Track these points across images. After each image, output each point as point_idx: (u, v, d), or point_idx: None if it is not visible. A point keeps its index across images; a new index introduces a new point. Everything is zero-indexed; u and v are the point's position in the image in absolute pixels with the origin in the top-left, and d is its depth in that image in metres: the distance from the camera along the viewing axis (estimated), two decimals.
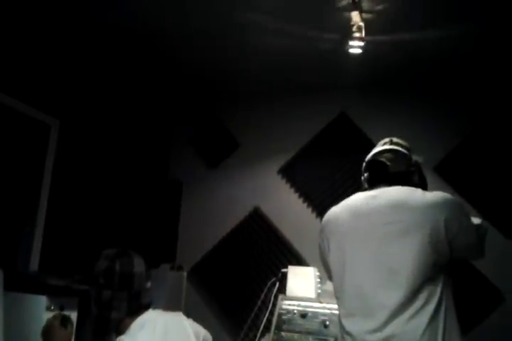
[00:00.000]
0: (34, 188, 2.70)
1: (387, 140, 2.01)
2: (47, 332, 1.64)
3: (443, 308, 1.62)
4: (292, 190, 3.31)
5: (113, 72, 3.20)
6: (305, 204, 3.26)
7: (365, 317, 1.66)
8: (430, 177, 2.90)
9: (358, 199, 1.86)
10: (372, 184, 1.89)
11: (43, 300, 2.04)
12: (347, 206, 1.87)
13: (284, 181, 3.35)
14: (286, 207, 3.30)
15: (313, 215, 3.22)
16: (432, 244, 1.65)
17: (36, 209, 2.67)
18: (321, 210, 3.19)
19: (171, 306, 2.83)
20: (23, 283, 2.13)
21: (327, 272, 1.96)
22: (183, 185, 3.59)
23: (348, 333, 1.69)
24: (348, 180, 3.15)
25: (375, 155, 1.95)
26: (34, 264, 2.60)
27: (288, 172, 3.36)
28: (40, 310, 2.02)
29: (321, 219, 3.11)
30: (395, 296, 1.63)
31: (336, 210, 1.91)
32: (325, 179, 3.24)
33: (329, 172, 3.24)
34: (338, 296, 1.80)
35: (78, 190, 2.91)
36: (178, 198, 3.56)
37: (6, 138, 2.54)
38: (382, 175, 1.90)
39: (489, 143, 2.95)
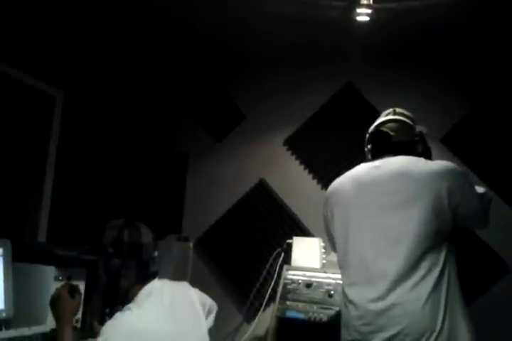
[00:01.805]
0: (40, 159, 2.70)
1: (390, 110, 2.01)
2: (55, 301, 1.66)
3: (446, 278, 1.64)
4: (298, 162, 3.30)
5: (118, 44, 3.15)
6: (310, 176, 3.26)
7: (367, 286, 1.68)
8: (437, 149, 2.90)
9: (361, 169, 1.87)
10: (376, 154, 1.90)
11: (51, 270, 2.07)
12: (350, 177, 1.88)
13: (289, 153, 3.33)
14: (291, 178, 3.29)
15: (319, 187, 3.22)
16: (435, 212, 1.66)
17: (43, 180, 2.68)
18: (326, 182, 3.18)
19: (177, 277, 2.87)
20: (32, 254, 2.16)
21: (331, 243, 1.99)
22: (188, 156, 3.58)
23: (351, 302, 1.72)
24: (354, 151, 3.12)
25: (378, 125, 1.94)
26: (42, 235, 2.63)
27: (293, 144, 3.34)
28: (49, 280, 2.05)
29: (326, 190, 3.16)
30: (396, 265, 1.65)
31: (339, 181, 1.93)
32: (331, 150, 3.22)
33: (335, 143, 3.22)
34: (341, 266, 1.84)
35: (84, 161, 2.92)
36: (184, 170, 3.56)
37: (11, 109, 2.53)
38: (385, 145, 1.90)
39: (496, 113, 2.92)
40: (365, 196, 1.78)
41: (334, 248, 1.96)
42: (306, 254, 2.77)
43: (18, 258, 2.09)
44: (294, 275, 2.65)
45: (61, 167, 2.77)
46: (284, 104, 3.36)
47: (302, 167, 3.29)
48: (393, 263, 1.65)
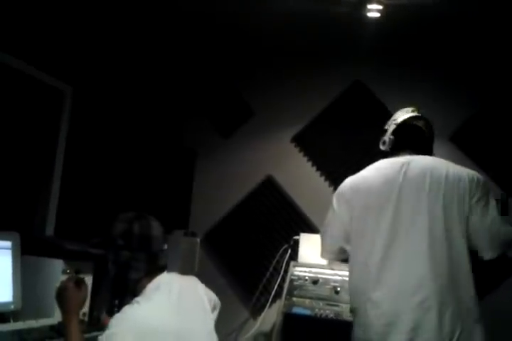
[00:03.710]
0: (49, 153, 2.71)
1: (412, 108, 2.00)
2: (61, 293, 1.65)
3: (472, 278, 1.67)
4: (305, 159, 3.30)
5: (128, 40, 3.15)
6: (318, 173, 3.25)
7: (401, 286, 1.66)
8: (446, 147, 2.90)
9: (389, 166, 1.82)
10: (403, 148, 1.87)
11: (59, 263, 2.08)
12: (377, 172, 1.83)
13: (297, 150, 3.33)
14: (299, 175, 3.29)
15: (326, 184, 3.22)
16: (462, 217, 1.68)
17: (51, 174, 2.69)
18: (333, 179, 3.18)
19: (184, 272, 2.88)
20: (40, 248, 2.17)
21: (333, 238, 1.91)
22: (196, 153, 3.58)
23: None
24: (362, 148, 3.12)
25: (411, 119, 1.93)
26: (50, 229, 2.64)
27: (301, 141, 3.33)
28: (57, 274, 2.06)
29: (335, 188, 3.15)
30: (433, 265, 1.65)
31: (364, 175, 1.86)
32: (339, 147, 3.21)
33: (343, 140, 3.21)
34: (365, 263, 1.75)
35: (93, 156, 2.93)
36: (192, 166, 3.57)
37: (21, 103, 2.54)
38: (416, 140, 1.88)
39: (506, 112, 2.90)
40: (395, 194, 1.73)
41: (337, 242, 1.89)
42: (313, 251, 2.76)
43: (26, 252, 2.10)
44: (300, 271, 2.65)
45: (69, 161, 2.78)
46: (293, 101, 3.36)
47: (310, 164, 3.29)
48: (431, 262, 1.65)
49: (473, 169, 2.72)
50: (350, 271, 1.82)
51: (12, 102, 2.48)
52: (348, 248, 1.84)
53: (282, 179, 3.32)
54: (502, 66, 2.93)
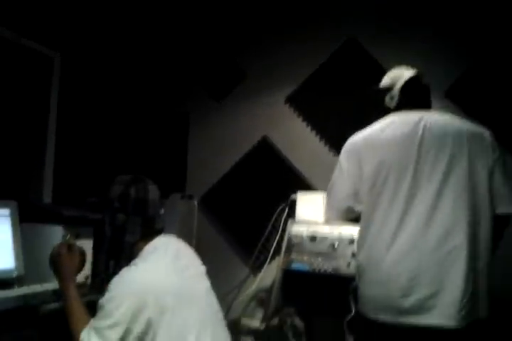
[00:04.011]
0: (41, 119, 2.69)
1: (407, 67, 1.98)
2: (54, 259, 1.66)
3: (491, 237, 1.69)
4: (300, 119, 3.27)
5: (115, 4, 3.06)
6: (313, 133, 3.24)
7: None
8: (441, 102, 2.87)
9: (405, 121, 1.79)
10: (408, 105, 1.85)
11: (58, 229, 2.09)
12: (392, 127, 1.79)
13: (291, 110, 3.30)
14: (294, 135, 3.28)
15: (322, 143, 3.21)
16: (486, 172, 1.70)
17: (45, 140, 2.69)
18: (329, 138, 3.17)
19: (182, 235, 2.92)
20: (38, 214, 2.18)
21: (342, 197, 1.85)
22: (190, 115, 3.55)
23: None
24: (357, 106, 3.09)
25: (418, 76, 1.91)
26: (47, 195, 2.65)
27: (296, 101, 3.30)
28: (57, 240, 2.07)
29: (330, 147, 3.15)
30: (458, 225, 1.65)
31: (377, 130, 1.81)
32: (333, 106, 3.18)
33: (338, 99, 3.18)
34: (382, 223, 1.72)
35: (86, 121, 2.90)
36: (186, 129, 3.55)
37: (11, 71, 2.50)
38: (423, 97, 1.89)
39: (500, 65, 2.85)
40: (419, 147, 1.71)
41: (347, 199, 1.84)
42: (310, 209, 2.79)
43: (25, 219, 2.12)
44: (298, 229, 2.69)
45: (63, 127, 2.76)
46: (285, 60, 3.30)
47: (305, 124, 3.27)
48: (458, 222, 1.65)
49: None
50: (365, 229, 1.78)
51: (1, 70, 2.44)
52: (357, 207, 1.81)
53: (277, 140, 3.31)
54: (496, 20, 2.87)
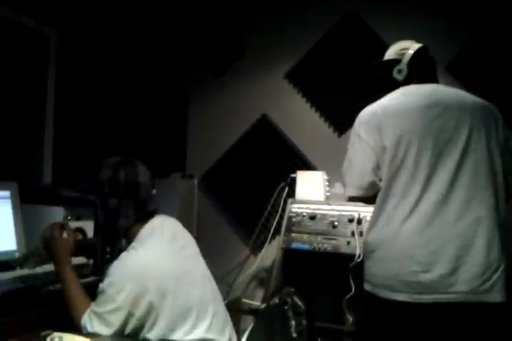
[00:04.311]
0: (39, 99, 2.67)
1: (411, 40, 1.95)
2: (48, 243, 1.64)
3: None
4: (300, 95, 3.24)
5: None
6: (313, 109, 3.21)
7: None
8: (442, 76, 2.83)
9: (420, 92, 1.76)
10: (416, 78, 1.82)
11: (59, 211, 2.10)
12: (408, 98, 1.75)
13: (291, 86, 3.26)
14: (294, 112, 3.25)
15: (322, 120, 3.18)
16: (499, 149, 1.70)
17: (43, 120, 2.66)
18: (329, 114, 3.15)
19: (183, 214, 2.93)
20: (38, 196, 2.19)
21: (365, 171, 1.75)
22: (189, 94, 3.52)
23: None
24: (357, 82, 3.05)
25: (424, 49, 1.87)
26: (47, 177, 2.65)
27: (295, 77, 3.26)
28: (58, 221, 2.09)
29: (330, 124, 3.12)
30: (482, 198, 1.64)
31: (393, 101, 1.76)
32: (333, 82, 3.14)
33: (338, 74, 3.14)
34: (403, 193, 1.66)
35: (84, 100, 2.88)
36: (185, 108, 3.52)
37: (5, 50, 2.46)
38: (431, 70, 1.87)
39: (501, 39, 2.81)
40: (437, 119, 1.67)
41: (366, 174, 1.74)
42: (310, 187, 2.79)
43: (25, 200, 2.12)
44: (298, 208, 2.69)
45: (61, 107, 2.73)
46: (284, 36, 3.25)
47: (304, 100, 3.23)
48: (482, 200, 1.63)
49: None
50: (381, 204, 1.70)
51: None
52: (379, 181, 1.73)
53: (277, 117, 3.29)
54: None
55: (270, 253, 3.01)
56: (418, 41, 2.57)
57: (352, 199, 1.87)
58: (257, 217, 3.14)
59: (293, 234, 2.62)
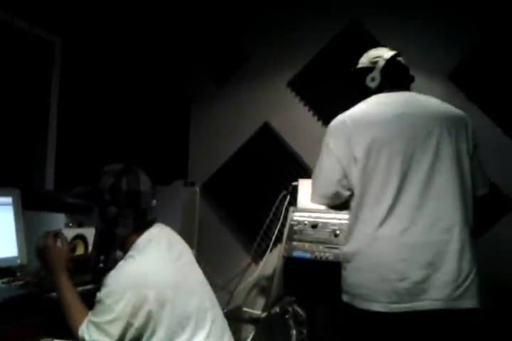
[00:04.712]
0: (43, 106, 2.68)
1: (385, 47, 1.98)
2: (42, 252, 1.61)
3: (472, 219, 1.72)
4: (302, 104, 3.25)
5: None
6: (315, 118, 3.22)
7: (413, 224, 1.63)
8: (445, 85, 2.85)
9: (392, 100, 1.77)
10: (390, 85, 1.83)
11: (61, 217, 2.10)
12: (380, 106, 1.75)
13: (293, 94, 3.27)
14: (295, 120, 3.26)
15: (324, 128, 3.16)
16: (468, 155, 1.72)
17: (47, 127, 2.67)
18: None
19: (186, 221, 2.93)
20: (40, 202, 2.18)
21: (330, 181, 1.76)
22: (191, 101, 3.53)
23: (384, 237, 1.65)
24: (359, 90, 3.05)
25: (396, 56, 1.89)
26: (50, 183, 2.65)
27: (297, 86, 3.27)
28: (60, 228, 2.09)
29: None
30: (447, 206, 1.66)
31: (364, 110, 1.77)
32: (336, 91, 3.15)
33: (340, 83, 3.14)
34: (374, 202, 1.67)
35: (87, 107, 2.89)
36: (187, 115, 3.53)
37: (11, 56, 2.47)
38: (404, 77, 1.87)
39: (504, 49, 2.81)
40: (410, 128, 1.68)
41: (333, 183, 1.74)
42: None
43: (27, 207, 2.12)
44: (300, 216, 2.68)
45: (64, 113, 2.74)
46: (287, 44, 3.27)
47: (306, 108, 3.24)
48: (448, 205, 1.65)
49: (472, 107, 2.76)
50: (355, 213, 1.72)
51: (1, 56, 2.42)
52: (345, 192, 1.74)
53: (279, 125, 3.29)
54: (501, 2, 2.81)
55: (271, 261, 3.01)
56: (421, 50, 2.58)
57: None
58: (258, 224, 3.13)
59: (294, 243, 2.62)
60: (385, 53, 1.88)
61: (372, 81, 1.85)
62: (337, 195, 1.76)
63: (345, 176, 1.72)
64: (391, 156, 1.66)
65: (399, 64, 1.88)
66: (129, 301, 1.39)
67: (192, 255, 1.71)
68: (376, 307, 1.59)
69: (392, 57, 1.87)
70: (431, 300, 1.57)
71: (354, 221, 1.72)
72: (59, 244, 1.64)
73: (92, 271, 1.66)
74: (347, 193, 1.74)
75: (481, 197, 1.78)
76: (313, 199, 1.84)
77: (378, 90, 1.84)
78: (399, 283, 1.58)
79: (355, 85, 1.96)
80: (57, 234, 1.66)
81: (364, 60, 1.93)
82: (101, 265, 1.60)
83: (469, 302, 1.59)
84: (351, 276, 1.70)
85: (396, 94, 1.81)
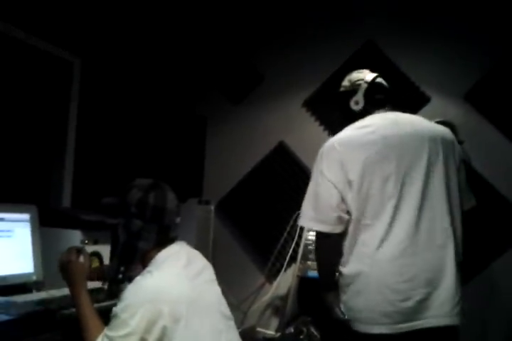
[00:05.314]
0: (61, 125, 2.73)
1: (366, 70, 1.98)
2: (64, 267, 1.63)
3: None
4: (317, 123, 3.26)
5: (135, 9, 3.09)
6: (330, 137, 3.21)
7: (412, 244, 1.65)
8: (460, 105, 2.84)
9: (378, 123, 1.78)
10: (375, 106, 1.86)
11: (77, 234, 2.11)
12: (368, 130, 1.76)
13: (308, 114, 3.29)
14: (310, 140, 3.26)
15: None
16: (455, 171, 1.75)
17: (64, 145, 2.72)
18: None
19: (200, 239, 2.93)
20: (57, 219, 2.20)
21: (330, 207, 1.73)
22: (207, 120, 3.57)
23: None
24: None
25: (377, 78, 1.90)
26: (66, 200, 2.68)
27: (312, 105, 3.29)
28: (76, 244, 2.09)
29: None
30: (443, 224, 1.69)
31: (353, 134, 1.79)
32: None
33: None
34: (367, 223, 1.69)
35: (105, 126, 2.93)
36: (203, 133, 3.56)
37: (31, 75, 2.53)
38: (387, 98, 1.89)
39: None
40: (400, 149, 1.70)
41: (327, 207, 1.73)
42: None
43: (44, 223, 2.14)
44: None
45: (82, 132, 2.79)
46: (303, 64, 3.30)
47: (322, 128, 3.25)
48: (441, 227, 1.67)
49: (488, 127, 2.75)
50: (353, 236, 1.71)
51: (22, 75, 2.48)
52: (345, 215, 1.72)
53: (294, 144, 3.30)
54: None
55: (286, 281, 2.99)
56: (436, 70, 2.57)
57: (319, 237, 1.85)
58: (272, 244, 3.12)
59: (309, 262, 2.60)
60: (367, 76, 1.90)
61: (356, 104, 1.87)
62: (339, 219, 1.73)
63: (343, 199, 1.72)
64: (384, 177, 1.67)
65: (380, 85, 1.90)
66: (143, 315, 1.40)
67: (212, 273, 1.71)
68: (380, 329, 1.60)
69: (374, 79, 1.89)
70: (434, 317, 1.59)
71: (352, 243, 1.72)
72: (81, 259, 1.66)
73: (111, 281, 1.67)
74: (347, 216, 1.72)
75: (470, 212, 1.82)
76: (313, 226, 1.83)
77: (363, 112, 1.86)
78: (403, 303, 1.59)
79: (339, 108, 1.98)
80: (80, 251, 1.69)
81: (346, 84, 1.95)
82: (120, 276, 1.62)
83: (459, 319, 1.63)
84: (352, 300, 1.69)
85: (380, 115, 1.83)
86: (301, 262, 2.64)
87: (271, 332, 2.99)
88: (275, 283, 3.08)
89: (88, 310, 1.54)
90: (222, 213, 3.39)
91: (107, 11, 2.94)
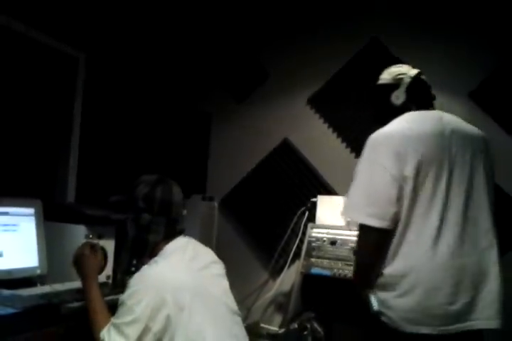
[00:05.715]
0: (66, 120, 2.73)
1: (407, 65, 1.94)
2: (78, 260, 1.70)
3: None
4: (321, 121, 3.25)
5: (140, 4, 3.09)
6: (334, 135, 3.22)
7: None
8: (465, 104, 2.83)
9: (427, 119, 1.74)
10: (415, 103, 1.82)
11: (81, 229, 2.12)
12: (419, 124, 1.70)
13: (313, 111, 3.28)
14: (315, 137, 3.26)
15: (343, 145, 3.19)
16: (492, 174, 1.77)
17: (69, 140, 2.73)
18: (350, 140, 3.15)
19: (203, 236, 2.93)
20: (62, 214, 2.22)
21: (390, 201, 1.61)
22: (212, 116, 3.57)
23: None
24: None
25: (420, 74, 1.87)
26: (71, 195, 2.69)
27: (317, 102, 3.28)
28: (80, 239, 2.10)
29: (351, 149, 3.12)
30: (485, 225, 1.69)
31: (406, 126, 1.70)
32: (355, 108, 3.15)
33: (359, 101, 3.15)
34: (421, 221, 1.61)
35: (109, 121, 2.94)
36: (208, 130, 3.56)
37: (36, 70, 2.54)
38: (429, 95, 1.87)
39: None
40: (450, 147, 1.67)
41: (385, 204, 1.61)
42: (331, 212, 2.78)
43: (49, 218, 2.15)
44: (318, 233, 2.68)
45: (87, 127, 2.80)
46: (308, 61, 3.29)
47: (326, 125, 3.25)
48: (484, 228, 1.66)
49: (492, 126, 2.74)
50: (401, 235, 1.62)
51: (28, 70, 2.48)
52: (401, 211, 1.61)
53: (299, 141, 3.30)
54: None
55: (289, 277, 2.99)
56: (441, 69, 2.57)
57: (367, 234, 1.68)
58: (276, 240, 3.12)
59: (312, 259, 2.60)
60: (410, 71, 1.86)
61: (398, 99, 1.83)
62: (395, 215, 1.61)
63: (401, 194, 1.60)
64: (438, 175, 1.61)
65: (423, 82, 1.87)
66: (148, 303, 1.44)
67: (222, 269, 1.75)
68: (424, 330, 1.56)
69: (417, 75, 1.86)
70: (477, 319, 1.57)
71: (399, 242, 1.63)
72: (96, 253, 1.74)
73: (124, 273, 1.77)
74: (402, 213, 1.62)
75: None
76: (369, 221, 1.63)
77: (403, 108, 1.81)
78: (451, 307, 1.56)
79: (375, 102, 1.93)
80: (94, 246, 1.76)
81: (387, 77, 1.90)
82: (133, 269, 1.71)
83: (500, 323, 1.59)
84: (397, 299, 1.62)
85: (427, 112, 1.78)
86: (304, 259, 2.64)
87: (274, 328, 3.00)
88: (279, 280, 3.08)
89: (98, 304, 1.58)
90: (225, 209, 3.39)
91: (112, 6, 2.94)
